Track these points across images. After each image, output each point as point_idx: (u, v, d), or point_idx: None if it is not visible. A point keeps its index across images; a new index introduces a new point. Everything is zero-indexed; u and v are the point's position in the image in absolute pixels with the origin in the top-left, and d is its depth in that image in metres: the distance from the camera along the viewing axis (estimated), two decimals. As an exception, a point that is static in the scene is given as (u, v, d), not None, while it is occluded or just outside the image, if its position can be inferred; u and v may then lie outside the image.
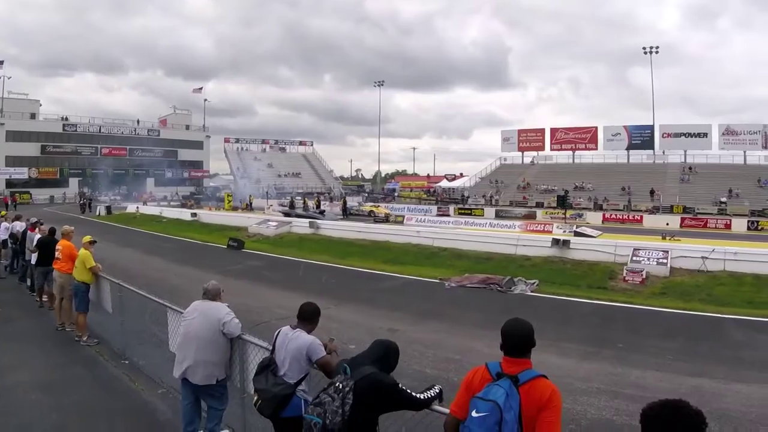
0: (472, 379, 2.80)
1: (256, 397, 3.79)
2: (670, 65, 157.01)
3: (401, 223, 34.25)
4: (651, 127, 57.67)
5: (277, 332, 4.01)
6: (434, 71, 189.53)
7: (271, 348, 4.02)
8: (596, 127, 60.74)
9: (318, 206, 39.87)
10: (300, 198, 46.07)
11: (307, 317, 3.99)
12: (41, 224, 11.90)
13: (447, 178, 74.32)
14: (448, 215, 43.52)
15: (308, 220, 25.80)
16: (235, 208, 42.88)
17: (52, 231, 10.76)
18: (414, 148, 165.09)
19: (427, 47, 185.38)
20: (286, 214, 32.45)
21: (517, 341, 2.72)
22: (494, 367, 2.73)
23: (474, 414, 2.54)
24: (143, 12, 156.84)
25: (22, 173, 65.04)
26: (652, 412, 2.03)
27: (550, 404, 2.55)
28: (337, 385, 3.03)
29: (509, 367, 2.67)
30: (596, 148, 60.64)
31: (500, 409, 2.47)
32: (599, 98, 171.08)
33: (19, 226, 13.54)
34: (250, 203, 46.23)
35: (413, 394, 3.13)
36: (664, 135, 56.31)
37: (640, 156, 58.27)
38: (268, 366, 3.85)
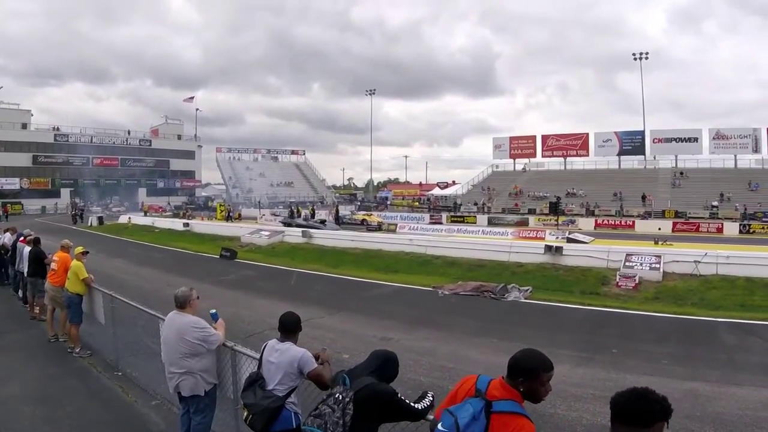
0: (458, 389, 2.62)
1: (246, 413, 3.75)
2: (657, 70, 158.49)
3: (394, 231, 34.13)
4: (642, 133, 58.23)
5: (263, 346, 3.98)
6: (423, 79, 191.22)
7: (258, 361, 3.99)
8: (587, 134, 61.32)
9: (312, 215, 39.76)
10: (294, 207, 45.67)
11: (291, 328, 3.94)
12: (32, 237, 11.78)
13: (439, 186, 74.61)
14: (441, 223, 43.57)
15: (301, 229, 25.73)
16: (227, 218, 42.69)
17: (36, 241, 10.67)
18: (406, 156, 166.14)
19: (414, 55, 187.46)
20: (287, 224, 32.33)
21: (514, 364, 2.46)
22: (482, 383, 2.51)
23: (439, 426, 2.38)
24: (129, 21, 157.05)
25: (13, 184, 64.57)
26: (623, 398, 2.01)
27: None
28: (336, 396, 3.01)
29: (494, 389, 2.44)
30: (587, 155, 61.33)
31: (458, 430, 2.29)
32: (587, 104, 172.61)
33: (8, 238, 13.43)
34: (229, 213, 44.82)
35: (411, 404, 3.11)
36: (655, 140, 56.83)
37: (631, 161, 58.92)
38: (256, 380, 3.81)
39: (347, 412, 2.91)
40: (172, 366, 4.62)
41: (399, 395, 3.08)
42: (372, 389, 3.03)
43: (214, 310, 4.94)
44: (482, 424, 2.29)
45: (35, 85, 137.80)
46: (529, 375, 2.41)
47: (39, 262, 10.04)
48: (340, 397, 2.98)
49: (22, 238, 12.00)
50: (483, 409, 2.33)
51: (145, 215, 44.24)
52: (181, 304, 4.70)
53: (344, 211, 46.62)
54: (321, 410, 3.00)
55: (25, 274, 10.77)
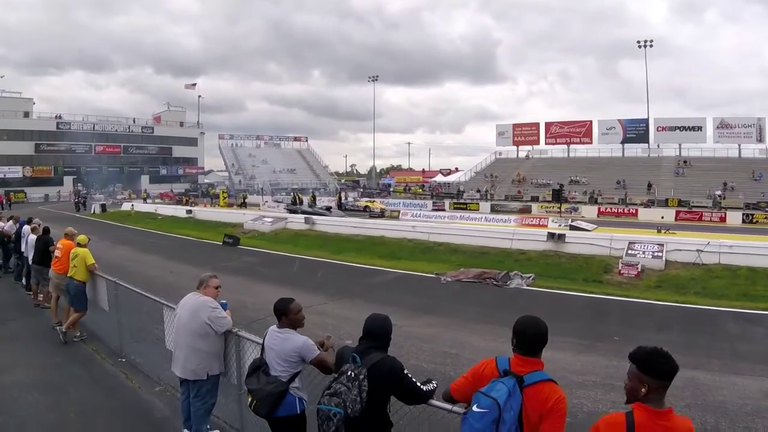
0: (482, 372, 2.80)
1: (250, 398, 3.77)
2: (659, 57, 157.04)
3: (397, 218, 34.19)
4: (645, 121, 57.77)
5: (265, 332, 3.98)
6: (424, 66, 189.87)
7: (261, 347, 3.99)
8: (591, 121, 60.90)
9: (314, 202, 39.82)
10: (296, 194, 45.70)
11: (282, 313, 3.89)
12: (38, 224, 11.76)
13: (442, 173, 74.30)
14: (444, 210, 43.56)
15: (304, 216, 25.73)
16: (230, 205, 42.75)
17: (46, 230, 10.70)
18: (409, 143, 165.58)
19: (415, 41, 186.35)
20: (292, 211, 32.35)
21: (530, 339, 2.71)
22: (503, 363, 2.73)
23: (475, 408, 2.55)
24: (127, 10, 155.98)
25: (16, 172, 64.68)
26: (650, 356, 2.42)
27: (553, 412, 2.51)
28: (349, 374, 3.05)
29: (518, 366, 2.66)
30: (591, 142, 60.88)
31: (499, 408, 2.46)
32: (589, 91, 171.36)
33: (9, 226, 13.44)
34: (244, 200, 45.49)
35: (418, 383, 3.19)
36: (659, 128, 56.43)
37: (634, 150, 58.38)
38: (259, 366, 3.82)
39: (363, 389, 2.97)
40: (180, 346, 4.67)
41: (406, 371, 3.18)
42: (384, 364, 3.12)
43: (224, 301, 4.97)
44: (518, 398, 2.52)
45: (35, 74, 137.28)
46: (545, 343, 2.76)
47: (46, 250, 10.05)
48: (353, 374, 3.02)
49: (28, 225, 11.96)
50: (516, 384, 2.55)
51: (145, 202, 44.35)
52: (199, 283, 4.85)
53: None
54: (336, 389, 3.03)
55: (30, 262, 10.80)
